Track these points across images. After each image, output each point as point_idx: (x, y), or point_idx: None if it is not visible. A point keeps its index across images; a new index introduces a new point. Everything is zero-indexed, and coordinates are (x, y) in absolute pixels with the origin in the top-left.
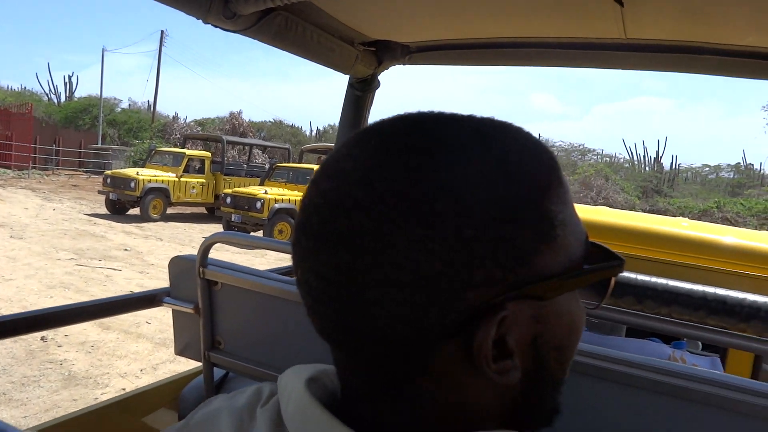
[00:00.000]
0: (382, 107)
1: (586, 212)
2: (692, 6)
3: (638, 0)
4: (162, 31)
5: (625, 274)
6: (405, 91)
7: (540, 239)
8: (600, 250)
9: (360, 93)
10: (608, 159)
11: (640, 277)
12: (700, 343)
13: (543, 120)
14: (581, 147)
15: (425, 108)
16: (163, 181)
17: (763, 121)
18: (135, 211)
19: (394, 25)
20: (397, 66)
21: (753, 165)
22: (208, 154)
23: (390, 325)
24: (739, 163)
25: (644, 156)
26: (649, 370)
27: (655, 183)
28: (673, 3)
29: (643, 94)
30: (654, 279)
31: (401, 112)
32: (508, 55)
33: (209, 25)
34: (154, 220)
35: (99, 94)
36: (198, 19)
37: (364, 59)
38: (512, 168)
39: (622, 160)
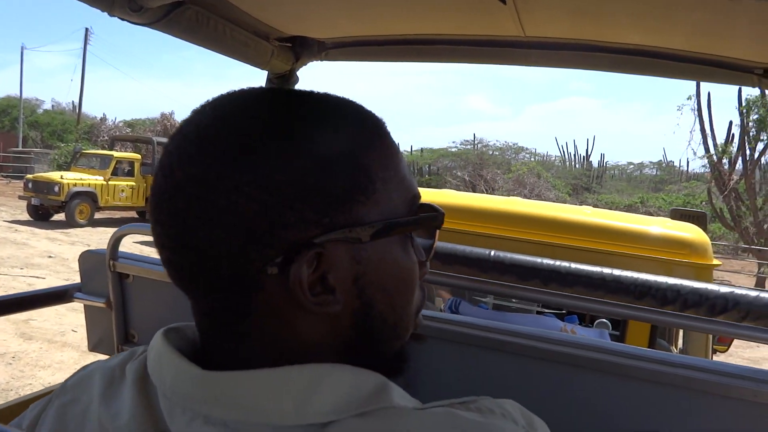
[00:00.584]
0: None
1: (497, 202)
2: (583, 6)
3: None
4: (86, 29)
5: (532, 258)
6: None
7: (358, 190)
8: (429, 208)
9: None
10: (541, 157)
11: (546, 260)
12: (609, 323)
13: (478, 120)
14: (515, 146)
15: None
16: (89, 184)
17: (677, 120)
18: (60, 216)
19: (308, 21)
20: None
21: (673, 162)
22: (138, 156)
23: (218, 265)
24: (661, 160)
25: (574, 154)
26: (541, 341)
27: (584, 180)
28: (565, 3)
29: (573, 94)
30: (558, 262)
31: None
32: (418, 52)
33: (115, 18)
34: (81, 226)
35: (19, 94)
36: (103, 11)
37: (281, 55)
38: (332, 127)
39: (554, 158)
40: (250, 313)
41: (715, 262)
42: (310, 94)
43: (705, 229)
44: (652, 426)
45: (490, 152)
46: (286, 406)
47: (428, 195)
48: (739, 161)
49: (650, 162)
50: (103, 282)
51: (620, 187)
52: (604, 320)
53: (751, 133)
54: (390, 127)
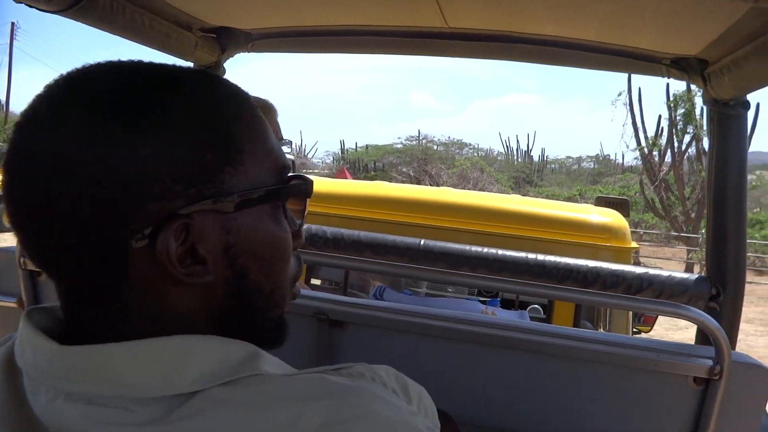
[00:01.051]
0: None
1: (427, 192)
2: None
3: None
4: (12, 23)
5: (461, 246)
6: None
7: (225, 161)
8: (298, 178)
9: None
10: (484, 153)
11: (474, 248)
12: (540, 307)
13: (423, 117)
14: (459, 142)
15: (301, 103)
16: None
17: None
18: None
19: (233, 11)
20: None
21: (609, 156)
22: None
23: (83, 241)
24: (598, 154)
25: (517, 149)
26: (461, 323)
27: (526, 174)
28: None
29: (516, 91)
30: (486, 250)
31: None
32: (344, 43)
33: (22, 4)
34: (9, 230)
35: None
36: None
37: (206, 46)
38: (197, 99)
39: (496, 153)
40: (120, 288)
41: (634, 245)
42: (174, 68)
43: (627, 215)
44: (564, 396)
45: (435, 148)
46: (151, 378)
47: (357, 187)
48: (668, 153)
49: (588, 156)
50: (14, 280)
51: (560, 180)
52: (536, 305)
53: (678, 127)
54: (336, 125)
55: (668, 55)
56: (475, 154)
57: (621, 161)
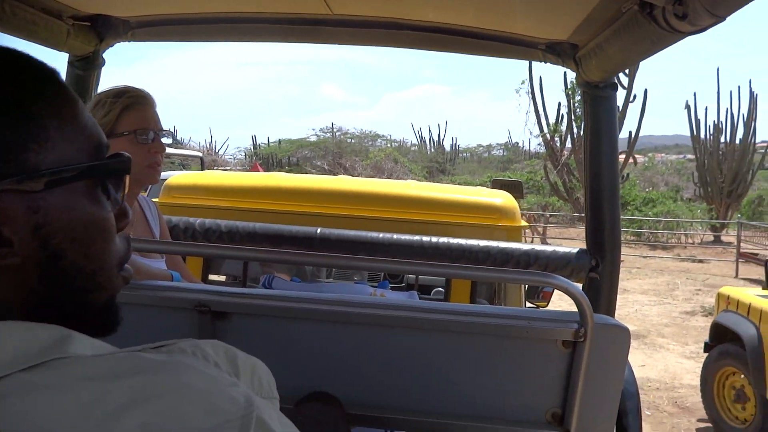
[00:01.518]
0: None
1: (323, 181)
2: None
3: None
4: None
5: (357, 233)
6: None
7: (29, 139)
8: (115, 156)
9: (82, 72)
10: (397, 143)
11: (370, 234)
12: (416, 293)
13: (335, 109)
14: (372, 133)
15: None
16: None
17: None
18: None
19: None
20: (126, 42)
21: (518, 143)
22: None
23: None
24: (507, 141)
25: (429, 139)
26: (349, 306)
27: (439, 163)
28: None
29: (426, 82)
30: (381, 235)
31: (178, 101)
32: (228, 31)
33: None
34: None
35: None
36: None
37: (80, 35)
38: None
39: (410, 144)
40: None
41: (523, 223)
42: None
43: (521, 196)
44: (448, 369)
45: (349, 140)
46: None
47: (252, 179)
48: (569, 139)
49: (498, 143)
50: None
51: (472, 168)
52: (440, 288)
53: (576, 113)
54: (248, 120)
55: (542, 40)
56: (389, 146)
57: (528, 148)
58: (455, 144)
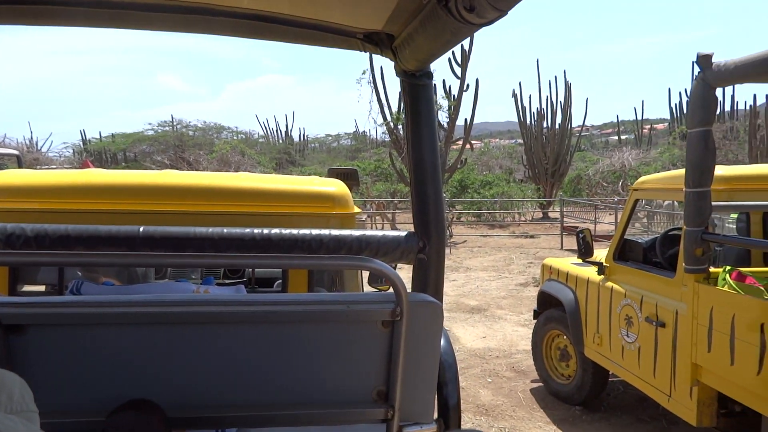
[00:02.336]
0: None
1: (145, 177)
2: None
3: None
4: None
5: (184, 229)
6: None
7: None
8: None
9: None
10: (244, 135)
11: (198, 230)
12: (243, 287)
13: (175, 101)
14: (217, 125)
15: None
16: None
17: (357, 92)
18: None
19: None
20: None
21: (365, 132)
22: None
23: None
24: (355, 131)
25: (276, 130)
26: (165, 306)
27: (288, 154)
28: None
29: (268, 72)
30: (210, 230)
31: None
32: (79, 15)
33: None
34: None
35: None
36: None
37: None
38: None
39: (257, 135)
40: None
41: (356, 210)
42: None
43: (357, 184)
44: (273, 359)
45: (191, 133)
46: None
47: (63, 177)
48: None
49: (346, 133)
50: None
51: (321, 158)
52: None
53: None
54: (74, 113)
55: (360, 29)
56: (235, 138)
57: (375, 137)
58: (303, 134)
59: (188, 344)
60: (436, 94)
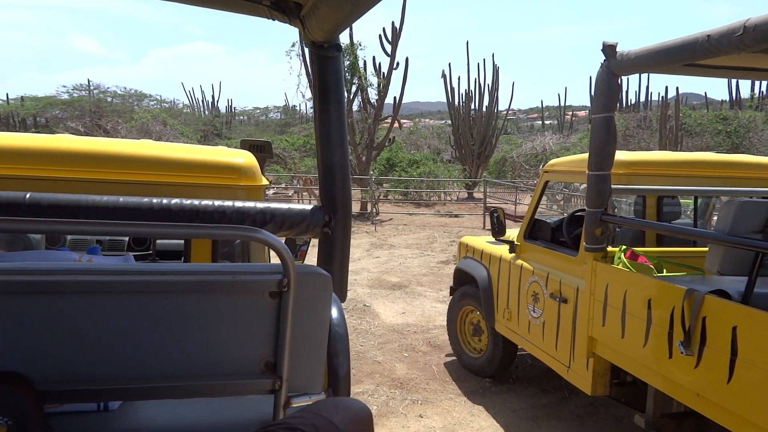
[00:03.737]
0: None
1: (38, 140)
2: None
3: None
4: None
5: (76, 196)
6: None
7: None
8: None
9: None
10: (168, 104)
11: (91, 197)
12: (132, 257)
13: (92, 64)
14: (137, 93)
15: None
16: None
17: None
18: None
19: None
20: None
21: (296, 106)
22: None
23: None
24: (285, 104)
25: (203, 100)
26: (45, 274)
27: (214, 126)
28: None
29: (196, 39)
30: (105, 198)
31: None
32: None
33: None
34: None
35: None
36: None
37: None
38: None
39: (181, 105)
40: None
41: (264, 182)
42: None
43: (271, 156)
44: (160, 330)
45: (110, 99)
46: None
47: None
48: None
49: (275, 106)
50: None
51: (249, 131)
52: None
53: (346, 77)
54: None
55: None
56: (158, 106)
57: (305, 111)
58: (231, 106)
59: (64, 315)
60: (365, 71)
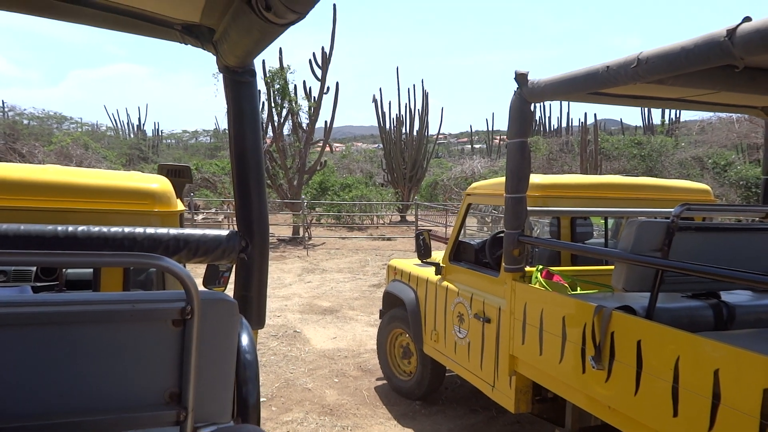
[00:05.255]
0: None
1: None
2: None
3: None
4: None
5: None
6: None
7: None
8: None
9: None
10: (90, 127)
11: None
12: (29, 288)
13: (5, 86)
14: (57, 115)
15: None
16: None
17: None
18: None
19: None
20: None
21: (226, 129)
22: None
23: None
24: (215, 128)
25: (128, 123)
26: None
27: (140, 150)
28: None
29: (120, 60)
30: (5, 226)
31: None
32: None
33: None
34: None
35: None
36: None
37: None
38: None
39: (105, 128)
40: None
41: (180, 208)
42: None
43: (191, 181)
44: (55, 362)
45: (26, 122)
46: None
47: None
48: (270, 127)
49: (205, 130)
50: None
51: (177, 155)
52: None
53: (276, 100)
54: None
55: (178, 20)
56: (79, 129)
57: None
58: (158, 129)
59: None
60: (296, 94)
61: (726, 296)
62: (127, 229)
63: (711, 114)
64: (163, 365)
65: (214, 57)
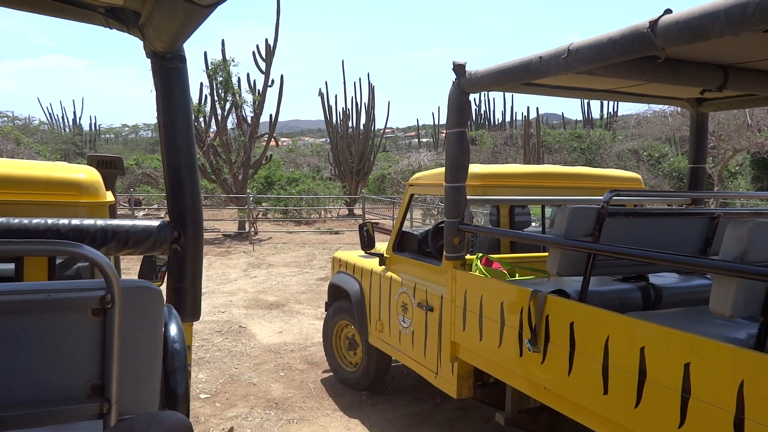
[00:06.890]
0: None
1: None
2: None
3: None
4: None
5: None
6: None
7: None
8: None
9: None
10: (21, 122)
11: None
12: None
13: None
14: None
15: None
16: None
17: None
18: None
19: None
20: None
21: None
22: None
23: None
24: (156, 122)
25: (63, 117)
26: None
27: (76, 145)
28: None
29: (52, 51)
30: None
31: None
32: None
33: None
34: None
35: None
36: None
37: None
38: None
39: (38, 122)
40: None
41: (110, 199)
42: None
43: (123, 173)
44: None
45: None
46: None
47: None
48: (213, 120)
49: (146, 124)
50: None
51: (116, 150)
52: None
53: (219, 93)
54: None
55: (101, 3)
56: (10, 124)
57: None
58: (95, 123)
59: None
60: (240, 87)
61: (654, 279)
62: (50, 220)
63: (646, 107)
64: (83, 357)
65: (141, 42)
